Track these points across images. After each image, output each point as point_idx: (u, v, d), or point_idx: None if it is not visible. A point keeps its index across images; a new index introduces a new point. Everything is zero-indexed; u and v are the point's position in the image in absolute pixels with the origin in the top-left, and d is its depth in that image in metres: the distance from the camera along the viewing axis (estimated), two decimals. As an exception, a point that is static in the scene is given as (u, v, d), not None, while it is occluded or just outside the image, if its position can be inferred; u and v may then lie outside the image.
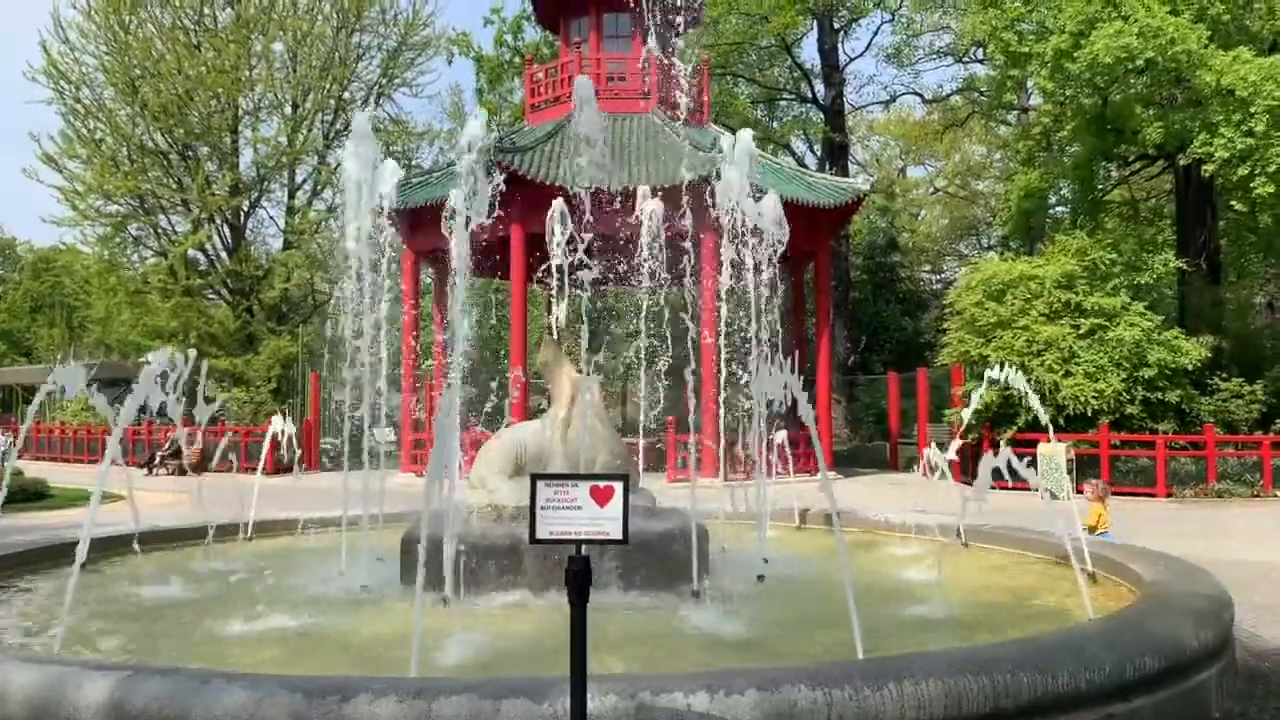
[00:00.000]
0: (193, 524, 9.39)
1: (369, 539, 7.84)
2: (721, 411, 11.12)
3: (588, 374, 8.15)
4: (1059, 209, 28.99)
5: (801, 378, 5.90)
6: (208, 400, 7.16)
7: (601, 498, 3.58)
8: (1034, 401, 8.03)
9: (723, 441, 11.29)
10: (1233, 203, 22.70)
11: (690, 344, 8.19)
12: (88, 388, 5.81)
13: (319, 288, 39.41)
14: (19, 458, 27.40)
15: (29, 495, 18.28)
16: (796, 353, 7.79)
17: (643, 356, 11.59)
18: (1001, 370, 8.19)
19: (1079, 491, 14.10)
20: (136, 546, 8.14)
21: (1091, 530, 9.23)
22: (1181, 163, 23.26)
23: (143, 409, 5.95)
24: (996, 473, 6.27)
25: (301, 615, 6.28)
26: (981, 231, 47.26)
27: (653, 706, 3.84)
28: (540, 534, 3.60)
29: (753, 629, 6.02)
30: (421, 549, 4.88)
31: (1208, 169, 21.33)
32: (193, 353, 7.07)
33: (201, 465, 22.62)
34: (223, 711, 3.85)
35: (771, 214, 8.40)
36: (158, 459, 27.37)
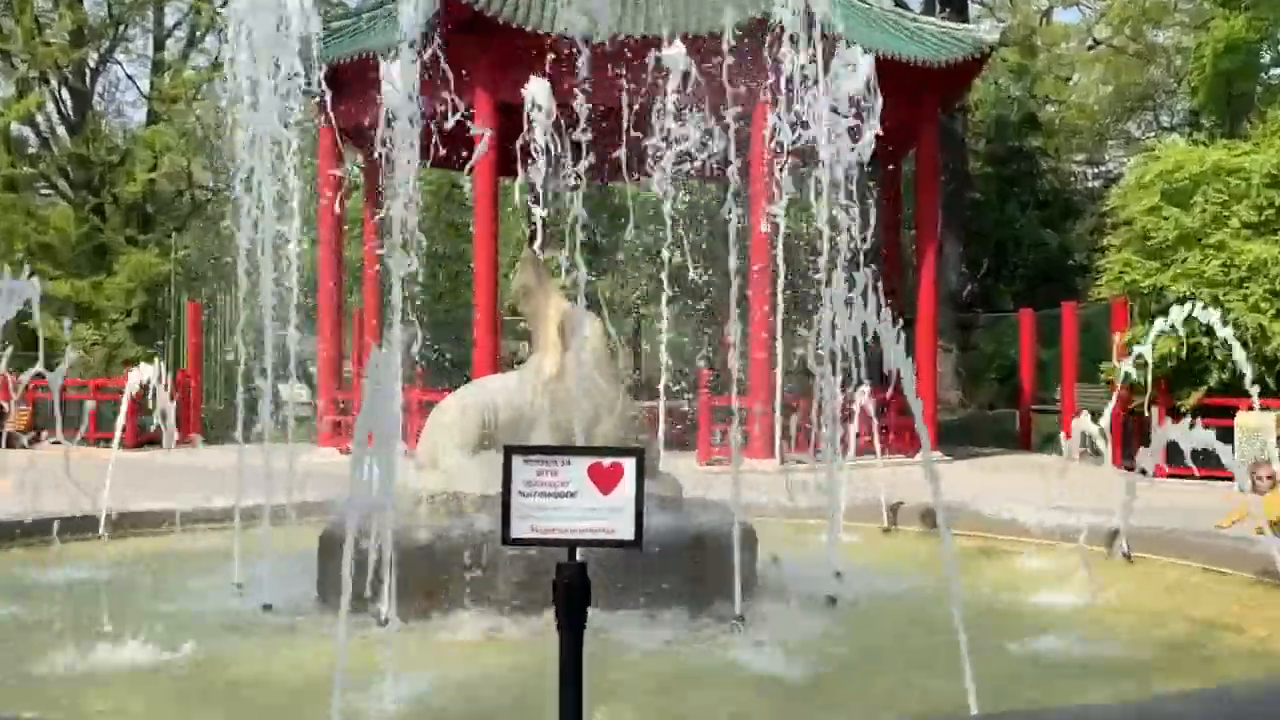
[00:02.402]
0: (24, 517, 9.50)
1: (274, 539, 7.93)
2: (779, 365, 11.12)
3: (585, 307, 8.16)
4: (1274, 70, 28.59)
5: (896, 318, 5.89)
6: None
7: (605, 480, 3.61)
8: (1236, 352, 8.01)
9: (779, 407, 11.31)
10: None
11: (733, 267, 8.17)
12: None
13: (199, 179, 39.33)
14: None
15: None
16: (882, 285, 7.77)
17: (665, 283, 11.59)
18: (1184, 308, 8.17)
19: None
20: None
21: (1275, 527, 9.28)
22: None
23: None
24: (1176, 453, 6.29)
25: (179, 646, 6.37)
26: (1160, 104, 46.69)
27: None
28: (517, 531, 3.64)
29: (819, 670, 6.08)
30: (348, 553, 4.92)
31: None
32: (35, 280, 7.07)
33: (33, 434, 22.84)
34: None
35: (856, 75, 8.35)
36: (-28, 426, 27.69)
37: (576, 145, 7.72)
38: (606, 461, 3.67)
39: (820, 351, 8.07)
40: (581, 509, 3.66)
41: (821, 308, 8.18)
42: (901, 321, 5.95)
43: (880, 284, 6.21)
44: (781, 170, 8.96)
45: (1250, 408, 16.85)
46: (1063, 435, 20.80)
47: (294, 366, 9.04)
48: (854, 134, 8.58)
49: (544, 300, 7.85)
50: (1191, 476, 14.61)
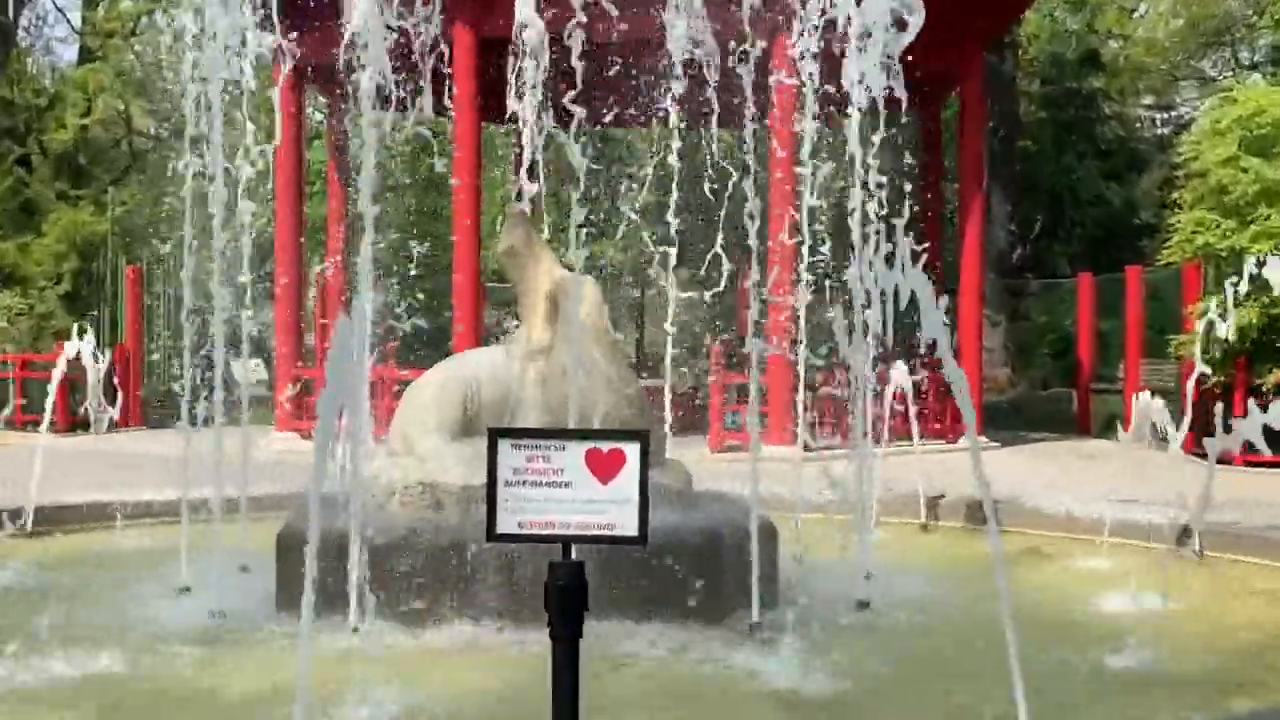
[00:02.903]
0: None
1: (226, 536, 7.94)
2: (802, 338, 11.11)
3: (581, 272, 8.15)
4: (1371, 1, 28.46)
5: (936, 283, 5.88)
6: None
7: (604, 468, 3.61)
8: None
9: (803, 386, 11.33)
10: None
11: (750, 224, 8.14)
12: None
13: (139, 125, 39.25)
14: None
15: None
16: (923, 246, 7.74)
17: (673, 243, 11.55)
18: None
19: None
20: None
21: None
22: None
23: None
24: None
25: (119, 657, 6.38)
26: (1239, 38, 46.52)
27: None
28: (504, 526, 3.64)
29: (846, 685, 6.09)
30: (310, 553, 4.92)
31: None
32: None
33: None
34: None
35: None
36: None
37: (571, 84, 7.69)
38: (606, 446, 3.67)
39: (849, 324, 8.07)
40: (578, 500, 3.66)
41: (850, 272, 8.17)
42: (943, 287, 5.91)
43: (918, 244, 6.19)
44: (803, 109, 8.91)
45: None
46: (1124, 418, 20.79)
47: (248, 339, 9.03)
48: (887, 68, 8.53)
49: (533, 264, 7.82)
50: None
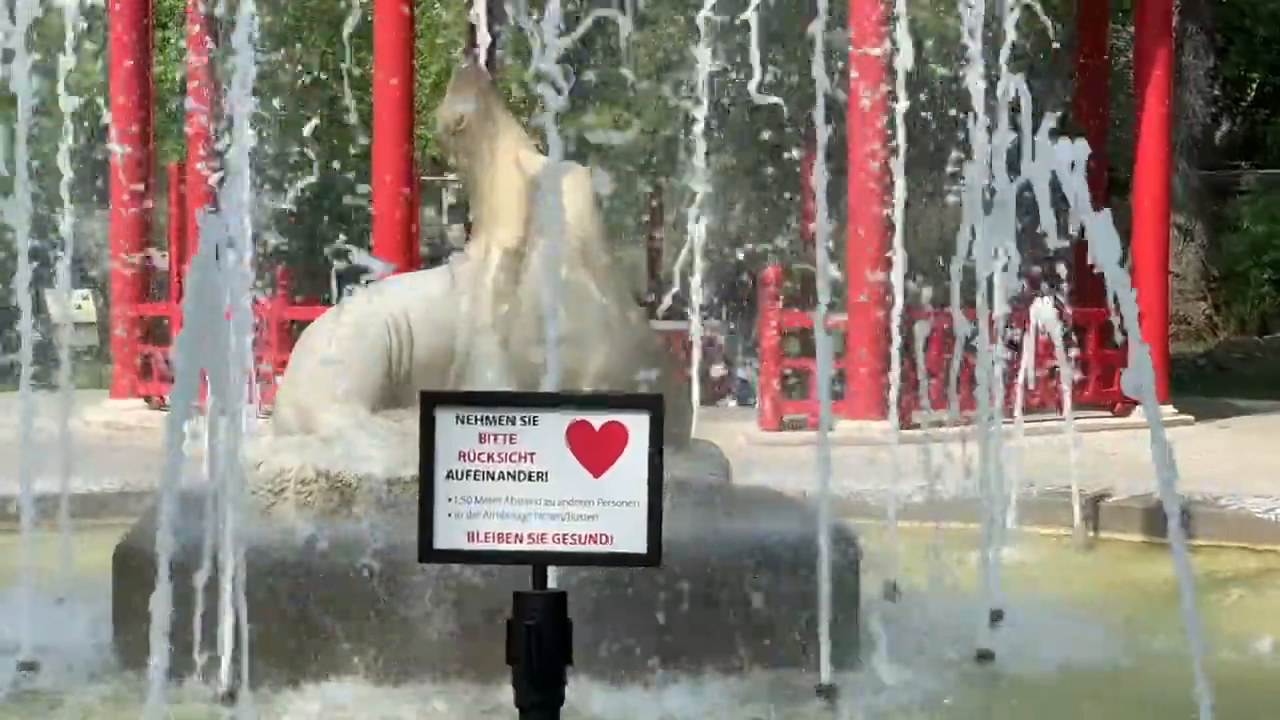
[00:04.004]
0: None
1: (40, 554, 7.97)
2: (897, 260, 11.16)
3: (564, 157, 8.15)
4: None
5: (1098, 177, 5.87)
6: None
7: (597, 452, 3.61)
8: None
9: (896, 333, 11.28)
10: None
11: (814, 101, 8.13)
12: None
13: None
14: None
15: None
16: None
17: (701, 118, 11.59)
18: None
19: None
20: None
21: None
22: None
23: None
24: None
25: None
26: None
27: None
28: (444, 540, 3.64)
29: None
30: (162, 580, 4.94)
31: None
32: None
33: None
34: None
35: None
36: None
37: None
38: (599, 419, 3.64)
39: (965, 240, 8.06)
40: (557, 501, 3.65)
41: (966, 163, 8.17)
42: (1104, 185, 5.86)
43: (1070, 120, 6.18)
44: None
45: None
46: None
47: (68, 261, 9.03)
48: None
49: (493, 145, 7.82)
50: None
